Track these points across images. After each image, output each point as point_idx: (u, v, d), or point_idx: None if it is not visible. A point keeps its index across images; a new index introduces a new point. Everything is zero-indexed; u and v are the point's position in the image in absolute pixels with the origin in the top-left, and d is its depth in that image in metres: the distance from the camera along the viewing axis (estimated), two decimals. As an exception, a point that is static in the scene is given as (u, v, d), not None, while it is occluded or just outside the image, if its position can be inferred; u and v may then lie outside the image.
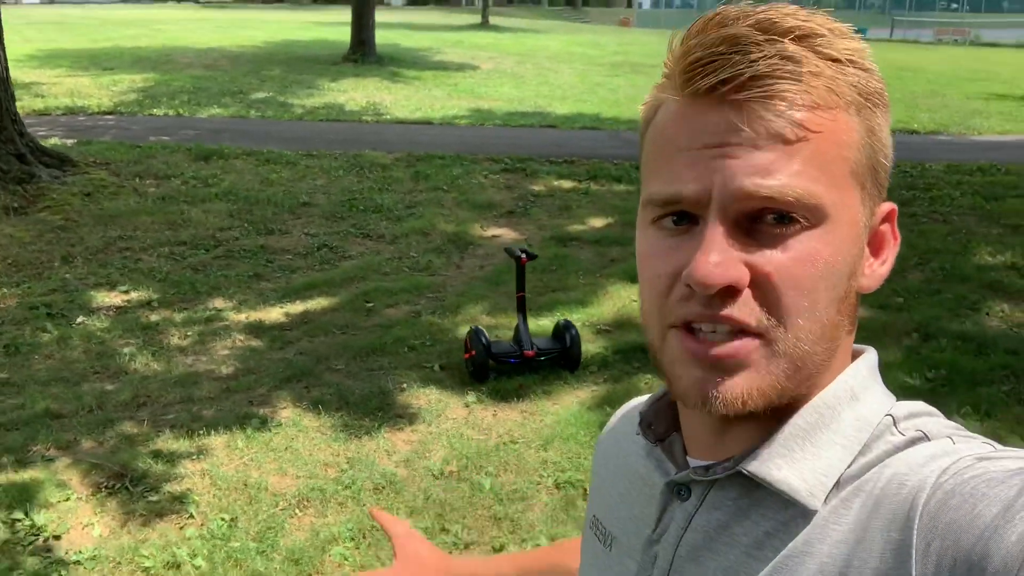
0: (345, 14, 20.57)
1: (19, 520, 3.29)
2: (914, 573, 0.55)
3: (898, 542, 0.57)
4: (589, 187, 8.59)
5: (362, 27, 18.08)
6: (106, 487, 3.53)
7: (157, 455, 3.76)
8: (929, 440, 0.63)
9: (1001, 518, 0.52)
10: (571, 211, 7.80)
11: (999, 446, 0.61)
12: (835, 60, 0.62)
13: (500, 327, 5.19)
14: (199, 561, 3.09)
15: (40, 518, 3.29)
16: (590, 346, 4.87)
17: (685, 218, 0.64)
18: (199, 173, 8.41)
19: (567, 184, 8.67)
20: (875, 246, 0.69)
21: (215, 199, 7.70)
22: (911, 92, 16.49)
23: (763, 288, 0.61)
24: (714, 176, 0.61)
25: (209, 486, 3.55)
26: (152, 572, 3.04)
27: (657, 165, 0.66)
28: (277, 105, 12.91)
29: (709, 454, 0.70)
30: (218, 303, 5.58)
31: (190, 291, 5.74)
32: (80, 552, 3.14)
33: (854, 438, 0.65)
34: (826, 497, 0.63)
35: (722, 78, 0.60)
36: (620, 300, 5.65)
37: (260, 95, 13.73)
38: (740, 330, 0.62)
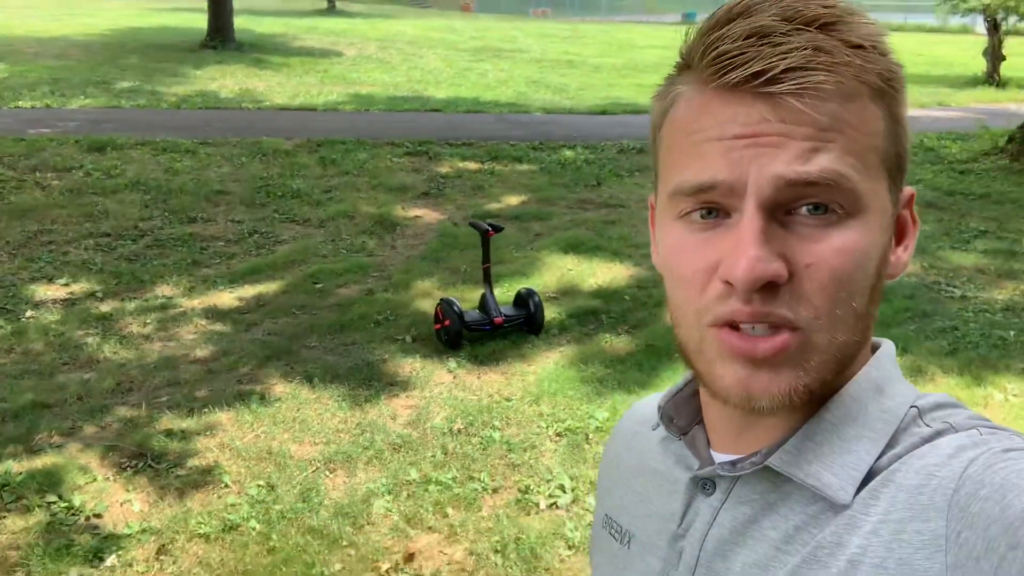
0: (183, 1, 19.91)
1: (54, 503, 3.34)
2: (945, 562, 0.55)
3: (929, 532, 0.57)
4: (494, 168, 8.92)
5: (219, 13, 17.60)
6: (129, 467, 3.61)
7: (169, 434, 3.85)
8: (956, 431, 0.63)
9: None
10: (484, 191, 8.12)
11: None
12: (860, 47, 0.61)
13: (459, 297, 5.46)
14: (253, 523, 3.26)
15: (75, 499, 3.35)
16: (545, 312, 5.22)
17: (715, 212, 0.63)
18: (99, 164, 8.18)
19: (472, 165, 8.97)
20: (899, 233, 0.69)
21: (125, 189, 7.54)
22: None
23: (803, 281, 0.61)
24: (749, 165, 0.60)
25: (233, 458, 3.69)
26: (212, 538, 3.18)
27: (682, 157, 0.64)
28: (148, 94, 12.51)
29: (734, 448, 0.70)
30: (165, 291, 5.58)
31: (132, 280, 5.70)
32: (129, 526, 3.23)
33: (881, 430, 0.65)
34: (856, 490, 0.63)
35: (753, 71, 0.59)
36: (558, 270, 6.03)
37: (126, 84, 13.23)
38: (788, 325, 0.62)
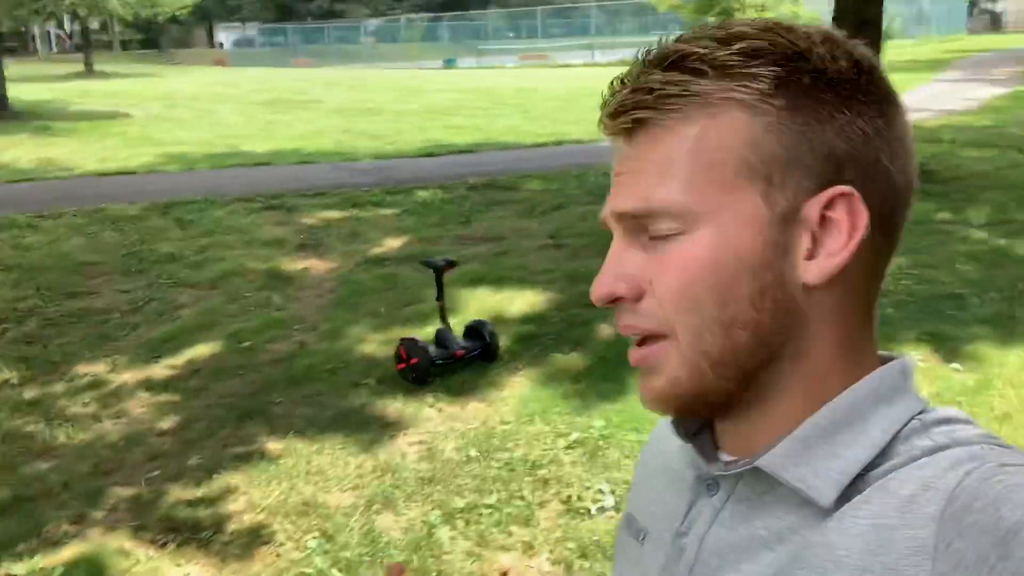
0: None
1: (111, 589, 3.18)
2: (933, 569, 0.56)
3: (919, 540, 0.57)
4: (357, 214, 9.00)
5: (-12, 80, 16.33)
6: (170, 541, 3.48)
7: (190, 504, 3.73)
8: (959, 447, 0.63)
9: None
10: (361, 236, 8.19)
11: None
12: (720, 67, 0.64)
13: (393, 339, 5.57)
14: (334, 571, 3.27)
15: (133, 582, 3.22)
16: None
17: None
18: (-65, 250, 7.48)
19: (336, 214, 9.00)
20: (814, 236, 0.66)
21: (-19, 272, 6.96)
22: (546, 108, 18.77)
23: (654, 294, 0.67)
24: (610, 202, 0.70)
25: (273, 516, 3.65)
26: (300, 591, 3.17)
27: None
28: (-66, 171, 11.45)
29: (738, 450, 0.73)
30: (86, 369, 5.27)
31: (44, 364, 5.34)
32: (204, 598, 3.15)
33: (877, 438, 0.65)
34: (844, 495, 0.64)
35: (608, 112, 0.68)
36: (477, 302, 6.26)
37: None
38: (651, 336, 0.68)
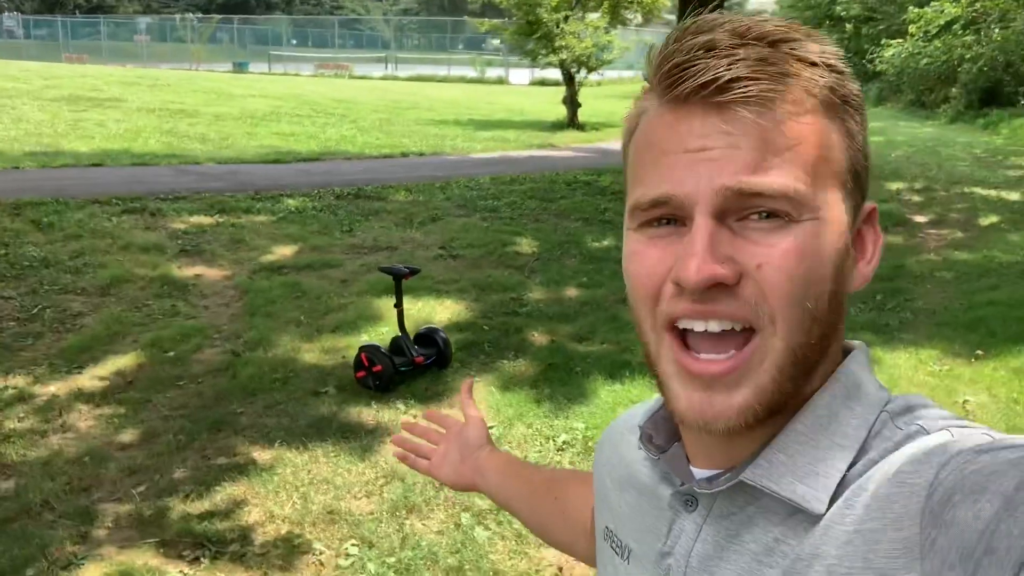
0: None
1: (160, 609, 3.00)
2: (922, 569, 0.55)
3: (904, 539, 0.57)
4: (231, 220, 8.64)
5: None
6: (202, 557, 3.31)
7: (203, 517, 3.56)
8: (928, 434, 0.63)
9: (1004, 512, 0.53)
10: (245, 243, 7.88)
11: (997, 434, 0.61)
12: (811, 63, 0.63)
13: (327, 347, 5.49)
14: (391, 574, 3.25)
15: (179, 600, 3.05)
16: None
17: (671, 221, 0.65)
18: None
19: (205, 219, 8.58)
20: (859, 246, 0.70)
21: None
22: (373, 120, 18.71)
23: (754, 282, 0.63)
24: (699, 178, 0.62)
25: (297, 526, 3.55)
26: (368, 596, 3.13)
27: (642, 171, 0.67)
28: None
29: (711, 463, 0.72)
30: (3, 382, 4.80)
31: (-53, 375, 4.80)
32: (265, 610, 3.05)
33: (853, 437, 0.66)
34: (830, 499, 0.63)
35: (701, 81, 0.62)
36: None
37: None
38: (731, 330, 0.64)
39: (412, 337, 5.29)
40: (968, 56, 22.29)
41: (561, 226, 9.23)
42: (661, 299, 0.65)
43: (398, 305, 5.14)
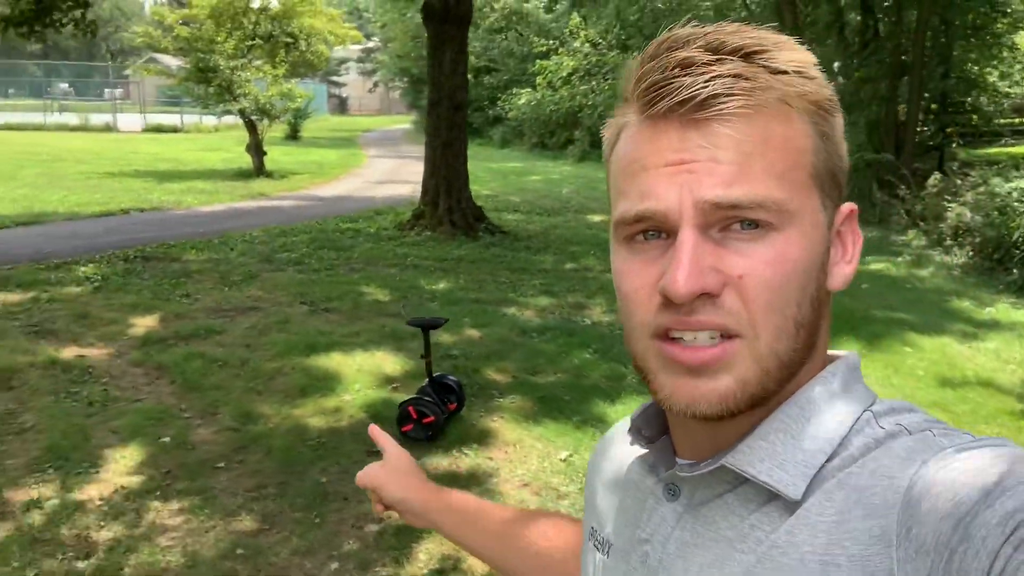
0: None
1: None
2: (894, 556, 0.57)
3: (880, 529, 0.59)
4: (39, 295, 7.71)
5: None
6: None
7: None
8: (910, 434, 0.65)
9: (982, 503, 0.54)
10: (92, 317, 7.15)
11: (977, 437, 0.63)
12: (783, 72, 0.66)
13: (308, 411, 5.48)
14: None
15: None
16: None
17: (657, 233, 0.67)
18: None
19: (13, 296, 7.57)
20: (840, 246, 0.72)
21: None
22: (22, 175, 16.86)
23: (738, 291, 0.65)
24: (680, 192, 0.64)
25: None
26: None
27: (624, 185, 0.69)
28: None
29: (697, 454, 0.74)
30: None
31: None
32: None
33: (834, 430, 0.67)
34: (808, 489, 0.65)
35: (679, 100, 0.64)
36: (349, 368, 6.28)
37: None
38: (721, 334, 0.65)
39: (433, 387, 5.46)
40: (589, 103, 25.78)
41: (388, 274, 9.52)
42: (649, 310, 0.68)
43: (426, 356, 5.31)
